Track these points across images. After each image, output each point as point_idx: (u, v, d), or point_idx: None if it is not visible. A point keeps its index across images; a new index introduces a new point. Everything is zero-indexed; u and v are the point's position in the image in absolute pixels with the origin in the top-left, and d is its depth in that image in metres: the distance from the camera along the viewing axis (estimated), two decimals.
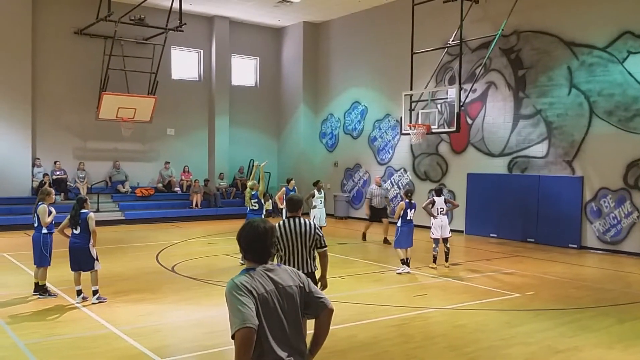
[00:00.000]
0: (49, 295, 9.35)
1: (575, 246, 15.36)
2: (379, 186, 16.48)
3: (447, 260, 12.39)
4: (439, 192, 12.78)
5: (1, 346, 6.89)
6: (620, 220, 14.67)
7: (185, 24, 18.83)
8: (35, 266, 9.38)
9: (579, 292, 10.30)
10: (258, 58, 25.23)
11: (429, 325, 7.97)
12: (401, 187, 20.48)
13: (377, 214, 16.23)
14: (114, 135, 20.96)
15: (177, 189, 22.16)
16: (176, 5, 18.53)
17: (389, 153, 21.13)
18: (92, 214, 9.01)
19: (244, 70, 25.16)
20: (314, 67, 24.26)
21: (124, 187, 21.19)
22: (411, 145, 19.60)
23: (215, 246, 15.17)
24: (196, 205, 21.53)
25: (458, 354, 6.82)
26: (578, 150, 15.56)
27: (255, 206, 12.60)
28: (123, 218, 19.94)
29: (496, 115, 17.49)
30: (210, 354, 6.77)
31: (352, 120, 22.76)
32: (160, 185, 21.98)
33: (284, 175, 25.04)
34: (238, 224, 13.14)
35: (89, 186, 20.60)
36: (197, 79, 23.76)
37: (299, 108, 24.43)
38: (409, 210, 11.72)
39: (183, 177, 22.58)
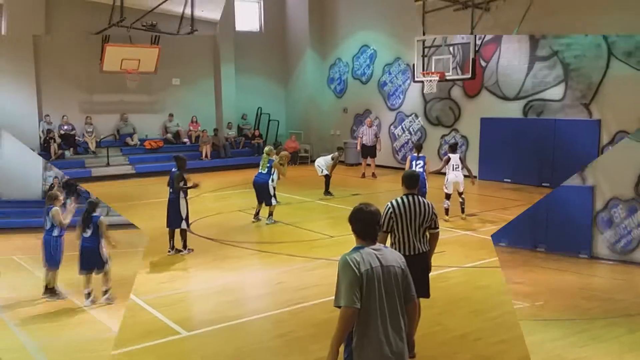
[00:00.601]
0: (58, 297, 9.22)
1: (586, 256, 15.13)
2: (370, 127, 18.93)
3: (463, 211, 12.38)
4: (454, 148, 12.59)
5: (10, 349, 6.85)
6: (630, 231, 14.33)
7: (196, 30, 17.41)
8: (44, 268, 9.17)
9: (589, 302, 10.06)
10: (262, 1, 24.48)
11: (451, 287, 7.94)
12: (412, 133, 20.21)
13: (366, 151, 18.54)
14: (120, 87, 20.56)
15: (185, 140, 21.99)
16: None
17: (400, 98, 20.73)
18: (102, 218, 8.71)
19: (248, 14, 24.45)
20: (321, 10, 23.53)
21: (132, 140, 21.03)
22: (422, 90, 19.21)
23: (228, 201, 15.11)
24: (206, 156, 21.38)
25: (483, 320, 6.80)
26: (596, 92, 15.15)
27: (264, 170, 12.27)
28: (134, 172, 19.86)
29: (511, 57, 16.97)
30: (234, 325, 6.76)
31: (360, 65, 22.24)
32: (169, 136, 21.78)
33: (293, 122, 24.81)
34: (249, 174, 12.86)
35: (98, 140, 20.46)
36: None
37: (306, 53, 23.86)
38: (414, 162, 11.90)
39: (191, 128, 22.35)
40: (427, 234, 5.77)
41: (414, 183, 5.75)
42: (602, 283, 12.17)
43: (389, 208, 5.59)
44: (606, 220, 14.72)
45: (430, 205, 5.71)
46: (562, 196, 15.46)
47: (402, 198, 5.65)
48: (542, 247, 15.85)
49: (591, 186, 15.03)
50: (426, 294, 5.82)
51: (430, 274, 5.94)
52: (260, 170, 12.32)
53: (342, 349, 3.71)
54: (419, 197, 5.71)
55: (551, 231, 15.63)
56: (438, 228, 5.79)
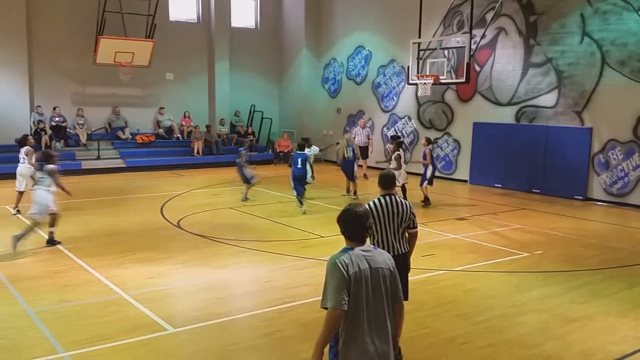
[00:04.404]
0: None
1: (581, 198, 15.30)
2: (363, 128, 19.09)
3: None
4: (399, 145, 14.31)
5: (13, 315, 6.83)
6: (627, 173, 14.54)
7: None
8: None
9: (587, 251, 10.27)
10: None
11: (440, 290, 7.94)
12: (405, 135, 20.23)
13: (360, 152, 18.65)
14: (113, 80, 20.52)
15: (178, 135, 21.88)
16: None
17: (394, 100, 20.75)
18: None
19: (244, 11, 24.39)
20: (317, 9, 23.51)
21: (124, 134, 20.91)
22: (416, 93, 19.24)
23: (219, 198, 15.06)
24: (197, 152, 21.30)
25: (471, 323, 6.79)
26: (588, 100, 15.24)
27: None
28: (124, 166, 19.74)
29: (505, 62, 17.05)
30: (222, 323, 6.72)
31: (355, 66, 22.25)
32: (161, 131, 21.69)
33: (286, 121, 24.77)
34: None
35: (89, 132, 20.34)
36: (196, 21, 23.05)
37: (301, 52, 23.83)
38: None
39: (184, 123, 22.26)
40: (406, 234, 5.78)
41: (390, 183, 5.75)
42: (599, 229, 12.31)
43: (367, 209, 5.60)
44: (603, 162, 14.92)
45: (408, 205, 5.71)
46: (559, 138, 15.70)
47: (379, 199, 5.67)
48: (537, 190, 16.19)
49: (589, 128, 15.14)
50: (404, 296, 5.80)
51: (410, 274, 5.93)
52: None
53: (326, 350, 3.69)
54: (397, 197, 5.72)
55: (547, 174, 15.92)
56: (416, 227, 5.80)
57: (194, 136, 21.51)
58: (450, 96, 18.67)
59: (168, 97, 22.24)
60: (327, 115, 23.60)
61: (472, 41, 15.56)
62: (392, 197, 5.67)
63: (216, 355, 5.92)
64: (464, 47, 15.50)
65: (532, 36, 16.34)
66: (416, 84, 16.72)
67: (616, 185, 14.78)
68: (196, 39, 22.74)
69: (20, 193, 12.62)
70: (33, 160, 12.37)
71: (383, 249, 5.60)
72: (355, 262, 3.60)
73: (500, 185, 17.10)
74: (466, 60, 15.24)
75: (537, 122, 16.38)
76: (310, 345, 3.68)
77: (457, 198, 15.57)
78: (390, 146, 15.09)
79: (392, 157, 13.97)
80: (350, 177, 15.13)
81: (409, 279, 6.04)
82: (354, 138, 19.17)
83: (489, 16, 16.76)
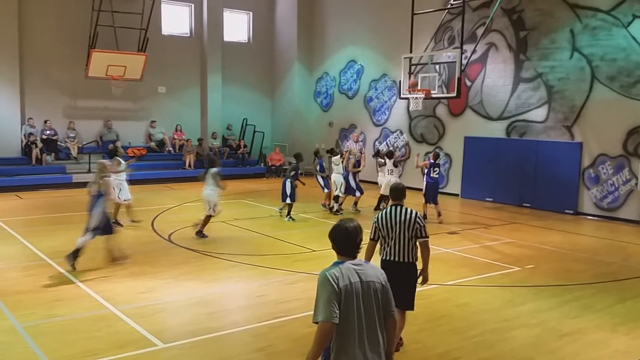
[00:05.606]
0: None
1: (572, 212, 15.37)
2: (356, 142, 18.59)
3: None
4: (390, 155, 14.83)
5: (1, 330, 6.75)
6: (618, 187, 14.64)
7: None
8: None
9: (578, 265, 10.31)
10: (251, 13, 24.55)
11: (432, 304, 7.92)
12: (397, 149, 20.27)
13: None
14: (105, 93, 20.49)
15: (169, 148, 21.84)
16: None
17: (385, 114, 20.85)
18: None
19: (237, 26, 24.50)
20: (309, 24, 23.66)
21: None
22: (408, 107, 19.33)
23: None
24: (189, 165, 21.26)
25: (463, 338, 6.78)
26: (578, 115, 15.38)
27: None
28: None
29: (496, 77, 17.19)
30: (213, 338, 6.67)
31: (347, 80, 22.35)
32: (153, 144, 21.64)
33: (278, 134, 24.80)
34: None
35: (80, 146, 20.27)
36: (188, 35, 23.12)
37: (293, 66, 23.93)
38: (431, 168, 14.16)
39: (175, 137, 22.23)
40: (417, 244, 5.97)
41: (398, 195, 6.12)
42: (590, 243, 12.32)
43: (375, 218, 6.00)
44: (593, 176, 14.98)
45: (414, 214, 5.93)
46: (550, 153, 15.78)
47: (387, 208, 6.04)
48: (527, 204, 16.23)
49: (579, 142, 15.24)
50: (409, 306, 6.00)
51: (425, 286, 6.29)
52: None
53: None
54: (405, 207, 5.98)
55: (538, 188, 15.97)
56: (426, 237, 5.95)
57: (185, 149, 21.49)
58: (441, 111, 18.78)
59: (160, 111, 22.23)
60: (319, 129, 23.65)
61: (463, 56, 15.67)
62: (399, 207, 5.98)
63: None
64: (455, 62, 15.60)
65: (522, 51, 16.49)
66: (408, 99, 16.79)
67: (606, 199, 14.87)
68: (188, 53, 22.79)
69: (117, 205, 12.82)
70: (117, 168, 12.59)
71: (388, 254, 5.90)
72: (346, 275, 3.60)
73: (491, 199, 17.17)
74: (457, 75, 15.34)
75: (527, 137, 16.49)
76: None
77: (449, 212, 15.59)
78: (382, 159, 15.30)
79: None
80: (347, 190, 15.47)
81: (424, 290, 6.13)
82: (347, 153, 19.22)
83: (480, 31, 16.91)
